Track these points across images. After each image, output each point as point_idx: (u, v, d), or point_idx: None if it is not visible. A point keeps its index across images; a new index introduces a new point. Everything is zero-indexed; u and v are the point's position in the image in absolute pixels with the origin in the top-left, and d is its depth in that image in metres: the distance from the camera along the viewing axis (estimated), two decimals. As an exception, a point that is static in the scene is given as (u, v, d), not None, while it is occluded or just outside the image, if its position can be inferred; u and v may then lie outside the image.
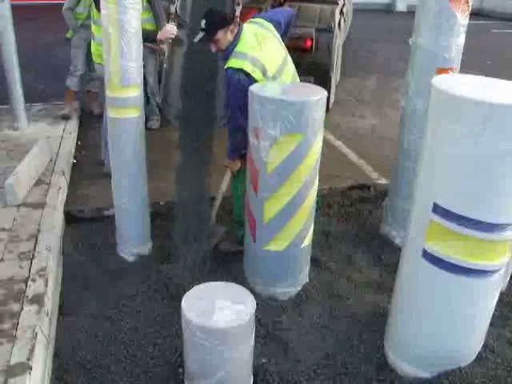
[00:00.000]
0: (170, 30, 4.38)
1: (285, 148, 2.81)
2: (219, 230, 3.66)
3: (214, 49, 3.13)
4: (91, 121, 5.90)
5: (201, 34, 3.08)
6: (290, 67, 3.29)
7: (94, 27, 4.42)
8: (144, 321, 3.01)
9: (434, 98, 2.28)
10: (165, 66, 5.61)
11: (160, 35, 4.37)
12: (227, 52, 3.08)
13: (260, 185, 2.96)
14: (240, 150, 3.17)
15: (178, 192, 3.63)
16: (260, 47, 3.07)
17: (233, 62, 3.01)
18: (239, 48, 3.05)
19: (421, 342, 2.55)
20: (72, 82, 5.77)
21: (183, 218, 3.53)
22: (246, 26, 3.17)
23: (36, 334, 2.56)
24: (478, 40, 10.71)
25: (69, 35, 5.74)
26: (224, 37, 3.05)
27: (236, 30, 3.09)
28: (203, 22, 3.03)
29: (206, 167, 3.63)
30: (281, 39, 3.28)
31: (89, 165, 4.86)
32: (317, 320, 3.06)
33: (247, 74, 2.99)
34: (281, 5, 6.76)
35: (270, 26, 3.23)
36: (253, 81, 3.00)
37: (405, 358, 2.65)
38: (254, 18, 3.39)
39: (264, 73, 3.05)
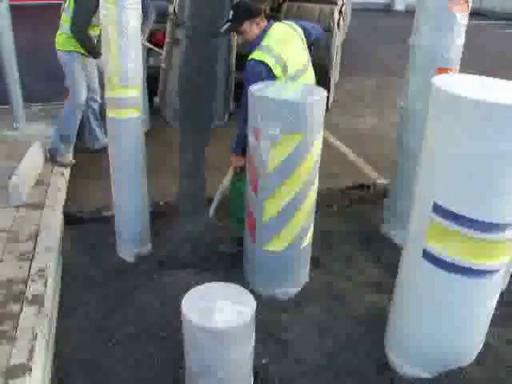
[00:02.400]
0: None
1: (285, 148, 2.81)
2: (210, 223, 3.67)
3: (240, 40, 3.28)
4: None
5: (227, 25, 3.18)
6: (309, 76, 3.32)
7: (63, 15, 4.54)
8: (144, 321, 3.00)
9: (433, 97, 2.27)
10: (163, 65, 5.60)
11: None
12: (253, 44, 3.14)
13: (260, 185, 2.96)
14: (244, 144, 3.17)
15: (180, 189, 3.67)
16: (285, 46, 3.11)
17: (256, 54, 3.05)
18: (265, 42, 3.10)
19: (421, 342, 2.55)
20: None
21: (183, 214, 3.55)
22: (276, 23, 3.24)
23: (36, 334, 2.55)
24: (477, 40, 10.71)
25: None
26: (250, 29, 3.15)
27: (264, 24, 3.17)
28: (230, 13, 3.15)
29: (202, 166, 3.66)
30: (307, 47, 3.32)
31: (88, 165, 4.86)
32: (317, 320, 3.06)
33: (268, 68, 3.02)
34: (280, 5, 6.76)
35: (300, 31, 3.28)
36: (272, 76, 3.04)
37: (405, 358, 2.64)
38: (287, 20, 3.45)
39: (284, 71, 3.08)
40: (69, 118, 4.77)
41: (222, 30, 3.22)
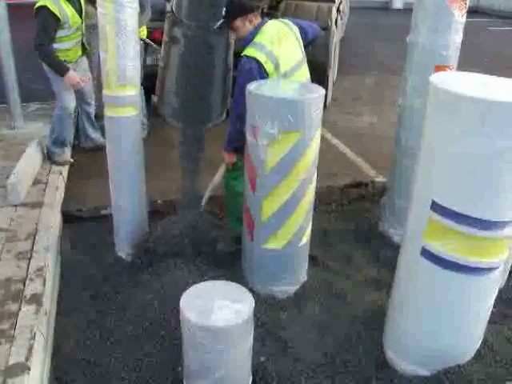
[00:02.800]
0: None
1: (283, 146, 2.80)
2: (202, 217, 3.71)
3: (234, 36, 3.31)
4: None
5: (221, 21, 3.23)
6: (304, 72, 3.33)
7: None
8: (142, 320, 3.00)
9: (432, 95, 2.27)
10: (160, 64, 5.60)
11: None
12: (246, 41, 3.16)
13: (258, 183, 2.96)
14: (237, 141, 3.17)
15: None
16: (279, 43, 3.13)
17: (248, 51, 3.08)
18: (258, 39, 3.12)
19: (419, 340, 2.55)
20: None
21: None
22: (271, 21, 3.26)
23: (34, 334, 2.55)
24: (474, 38, 10.72)
25: None
26: (243, 25, 3.17)
27: (257, 21, 3.19)
28: (224, 10, 3.18)
29: (198, 164, 3.68)
30: (302, 44, 3.32)
31: (86, 164, 4.85)
32: (316, 318, 3.06)
33: (259, 65, 3.04)
34: (278, 3, 6.76)
35: (295, 29, 3.29)
36: (264, 72, 3.05)
37: (404, 356, 2.65)
38: (285, 18, 3.47)
39: (276, 68, 3.10)
40: (60, 122, 4.72)
41: (215, 27, 3.24)
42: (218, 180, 3.53)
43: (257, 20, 3.19)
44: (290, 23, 3.30)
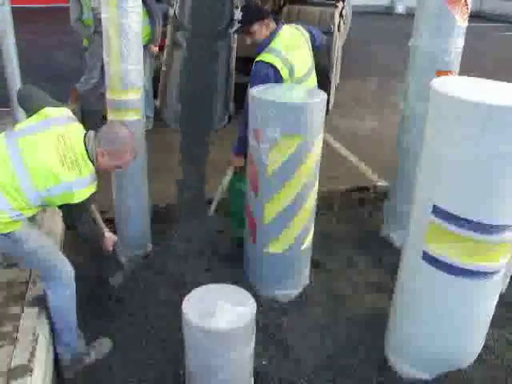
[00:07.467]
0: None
1: (285, 150, 2.82)
2: (213, 221, 3.69)
3: (249, 41, 3.26)
4: (91, 123, 5.92)
5: (237, 26, 3.23)
6: (313, 80, 3.35)
7: None
8: (144, 322, 3.01)
9: (433, 100, 2.29)
10: (163, 68, 5.63)
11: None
12: (262, 45, 3.15)
13: (260, 186, 2.97)
14: (247, 145, 3.18)
15: (179, 192, 3.68)
16: (293, 50, 3.14)
17: (265, 56, 3.07)
18: (274, 44, 3.12)
19: (421, 344, 2.56)
20: (82, 88, 5.77)
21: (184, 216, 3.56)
22: (285, 26, 3.27)
23: (37, 336, 2.56)
24: (477, 42, 10.72)
25: (85, 43, 5.73)
26: (259, 30, 3.16)
27: (273, 26, 3.19)
28: (240, 15, 3.19)
29: (203, 167, 3.67)
30: (311, 51, 3.34)
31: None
32: (317, 322, 3.07)
33: (276, 70, 3.04)
34: (280, 8, 6.78)
35: (307, 35, 3.31)
36: (279, 77, 3.06)
37: (405, 360, 2.65)
38: (287, 23, 3.48)
39: (291, 73, 3.11)
40: (64, 310, 2.76)
41: (233, 31, 3.23)
42: (226, 184, 3.53)
43: (272, 25, 3.19)
44: (302, 29, 3.31)
